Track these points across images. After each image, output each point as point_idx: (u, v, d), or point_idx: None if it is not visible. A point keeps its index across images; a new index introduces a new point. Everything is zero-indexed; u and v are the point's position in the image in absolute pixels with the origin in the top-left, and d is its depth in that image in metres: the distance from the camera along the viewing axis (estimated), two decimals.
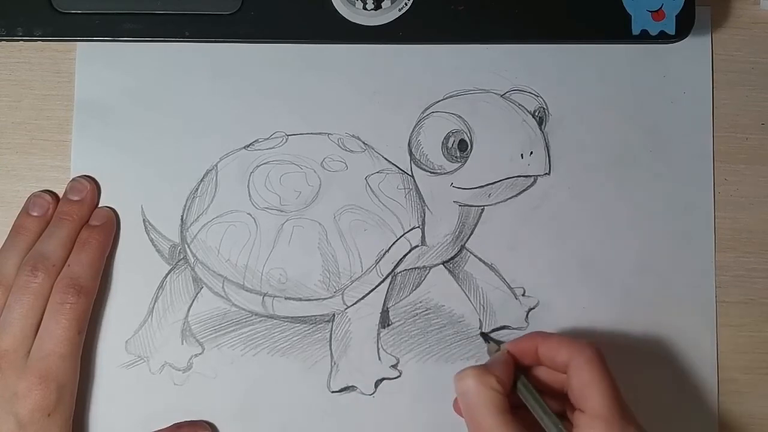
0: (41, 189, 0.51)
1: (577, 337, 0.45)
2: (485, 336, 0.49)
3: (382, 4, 0.49)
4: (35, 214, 0.50)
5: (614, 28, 0.49)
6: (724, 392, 0.50)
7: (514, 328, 0.50)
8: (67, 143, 0.51)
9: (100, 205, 0.50)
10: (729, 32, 0.53)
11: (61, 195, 0.50)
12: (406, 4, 0.49)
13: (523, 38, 0.50)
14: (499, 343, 0.47)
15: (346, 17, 0.49)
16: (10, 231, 0.49)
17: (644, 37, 0.49)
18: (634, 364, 0.50)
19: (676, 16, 0.49)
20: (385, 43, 0.50)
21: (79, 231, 0.49)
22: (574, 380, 0.43)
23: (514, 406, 0.43)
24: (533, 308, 0.50)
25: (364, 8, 0.49)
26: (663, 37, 0.49)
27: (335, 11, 0.49)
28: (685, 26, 0.49)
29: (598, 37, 0.50)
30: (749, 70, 0.53)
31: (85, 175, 0.51)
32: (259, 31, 0.49)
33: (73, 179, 0.50)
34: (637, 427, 0.42)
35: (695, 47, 0.52)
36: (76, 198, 0.50)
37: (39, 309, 0.47)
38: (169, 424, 0.49)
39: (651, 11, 0.49)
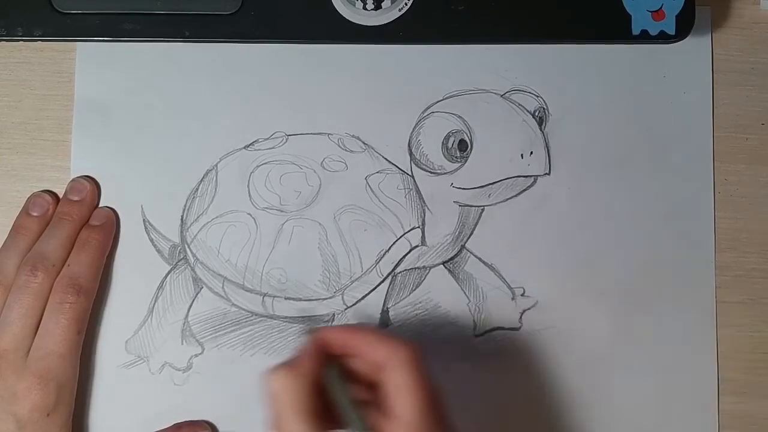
0: (41, 189, 0.51)
1: (397, 334, 0.43)
2: (309, 329, 0.48)
3: (382, 4, 0.49)
4: (35, 214, 0.49)
5: (614, 28, 0.49)
6: (724, 392, 0.50)
7: (508, 329, 0.50)
8: (67, 143, 0.51)
9: (100, 205, 0.50)
10: (729, 32, 0.53)
11: (61, 195, 0.50)
12: (406, 4, 0.49)
13: (523, 38, 0.50)
14: (313, 330, 0.44)
15: (346, 17, 0.49)
16: (10, 231, 0.49)
17: (644, 37, 0.49)
18: (633, 364, 0.50)
19: (676, 16, 0.49)
20: (385, 43, 0.50)
21: (79, 231, 0.49)
22: (387, 381, 0.40)
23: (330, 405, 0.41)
24: (530, 308, 0.50)
25: (364, 8, 0.49)
26: (663, 37, 0.49)
27: (335, 11, 0.49)
28: (685, 26, 0.49)
29: (598, 37, 0.50)
30: (749, 70, 0.52)
31: (86, 176, 0.51)
32: (259, 31, 0.49)
33: (73, 179, 0.50)
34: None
35: (695, 47, 0.52)
36: (76, 198, 0.50)
37: (38, 309, 0.47)
38: (170, 424, 0.49)
39: (651, 11, 0.49)
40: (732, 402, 0.50)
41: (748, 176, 0.52)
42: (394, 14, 0.49)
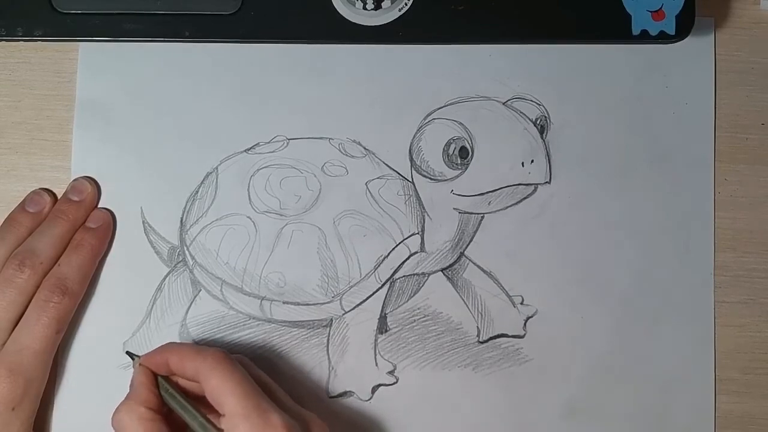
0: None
1: (206, 345, 0.47)
2: (129, 354, 0.48)
3: (382, 4, 0.49)
4: (31, 210, 0.49)
5: (614, 28, 0.49)
6: (724, 392, 0.50)
7: (511, 336, 0.50)
8: (67, 143, 0.51)
9: (99, 206, 0.50)
10: (729, 33, 0.52)
11: (60, 196, 0.50)
12: (406, 4, 0.49)
13: (524, 38, 0.50)
14: (134, 357, 0.47)
15: (346, 17, 0.49)
16: (2, 223, 0.49)
17: (644, 37, 0.49)
18: (633, 365, 0.50)
19: (676, 16, 0.49)
20: (385, 43, 0.50)
21: (74, 232, 0.49)
22: (206, 389, 0.43)
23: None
24: (531, 316, 0.50)
25: (364, 8, 0.49)
26: (663, 37, 0.49)
27: (335, 11, 0.49)
28: (685, 26, 0.49)
29: (598, 37, 0.50)
30: (749, 70, 0.52)
31: (88, 177, 0.50)
32: (259, 31, 0.49)
33: (76, 179, 0.50)
34: (277, 411, 0.43)
35: (697, 50, 0.52)
36: (75, 198, 0.49)
37: (20, 305, 0.47)
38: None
39: (651, 11, 0.49)
40: (731, 402, 0.50)
41: (748, 176, 0.52)
42: (394, 14, 0.49)
